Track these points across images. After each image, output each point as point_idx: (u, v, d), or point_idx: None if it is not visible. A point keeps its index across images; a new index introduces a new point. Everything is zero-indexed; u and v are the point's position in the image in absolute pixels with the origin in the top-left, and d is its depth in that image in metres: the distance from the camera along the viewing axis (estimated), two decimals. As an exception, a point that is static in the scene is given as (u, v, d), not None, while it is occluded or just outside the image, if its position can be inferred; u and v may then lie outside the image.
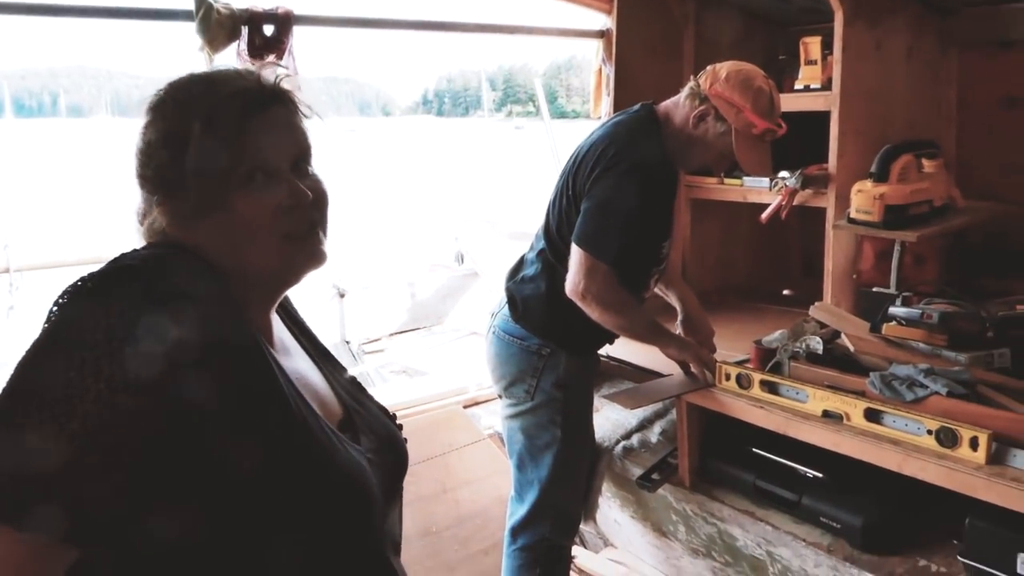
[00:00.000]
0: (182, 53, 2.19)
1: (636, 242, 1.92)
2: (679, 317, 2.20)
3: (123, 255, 0.80)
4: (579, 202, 1.95)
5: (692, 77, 1.98)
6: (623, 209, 1.88)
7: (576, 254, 1.91)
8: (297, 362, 0.95)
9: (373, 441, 0.95)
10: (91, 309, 0.73)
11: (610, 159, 1.90)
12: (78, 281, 0.75)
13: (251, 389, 0.78)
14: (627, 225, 1.88)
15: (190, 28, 2.18)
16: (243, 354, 0.79)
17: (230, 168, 0.83)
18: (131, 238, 0.87)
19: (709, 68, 1.96)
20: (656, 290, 2.21)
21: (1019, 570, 1.50)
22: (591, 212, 1.91)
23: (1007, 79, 2.60)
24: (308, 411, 0.84)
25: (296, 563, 0.81)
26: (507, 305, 2.11)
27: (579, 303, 1.92)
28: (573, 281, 1.91)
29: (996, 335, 1.85)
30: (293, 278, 0.90)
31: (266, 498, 0.78)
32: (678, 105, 1.98)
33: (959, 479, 1.52)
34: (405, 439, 1.04)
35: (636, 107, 2.05)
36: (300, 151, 0.89)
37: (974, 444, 1.52)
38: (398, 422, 1.06)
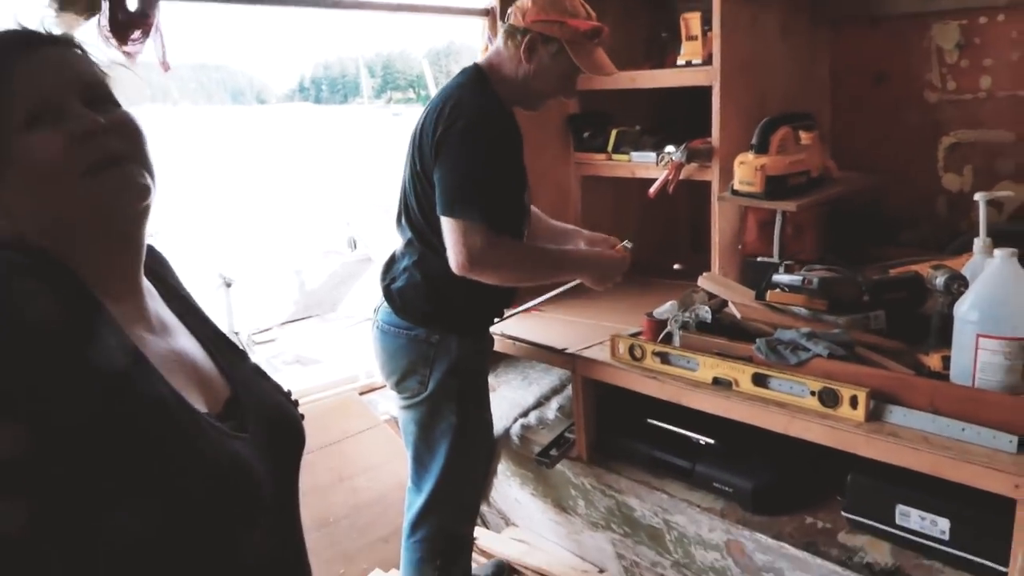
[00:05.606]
0: (32, 26, 2.03)
1: (500, 194, 1.89)
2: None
3: None
4: (431, 176, 1.89)
5: (500, 22, 2.00)
6: (476, 165, 1.85)
7: (448, 227, 1.85)
8: (178, 340, 0.89)
9: (262, 421, 0.90)
10: None
11: (447, 119, 1.87)
12: None
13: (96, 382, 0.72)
14: (486, 180, 1.85)
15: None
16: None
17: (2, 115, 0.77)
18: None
19: (512, 7, 1.97)
20: None
21: (898, 520, 1.57)
22: (446, 179, 1.86)
23: (876, 55, 2.70)
24: (175, 401, 0.78)
25: (188, 557, 0.76)
26: (385, 302, 2.05)
27: (472, 276, 1.86)
28: (456, 256, 1.85)
29: (872, 298, 1.93)
30: (117, 221, 0.83)
31: (132, 498, 0.72)
32: (500, 53, 1.98)
33: (840, 437, 1.58)
34: (302, 415, 0.99)
35: (463, 69, 2.03)
36: (86, 85, 0.82)
37: (854, 403, 1.58)
38: (294, 398, 1.01)
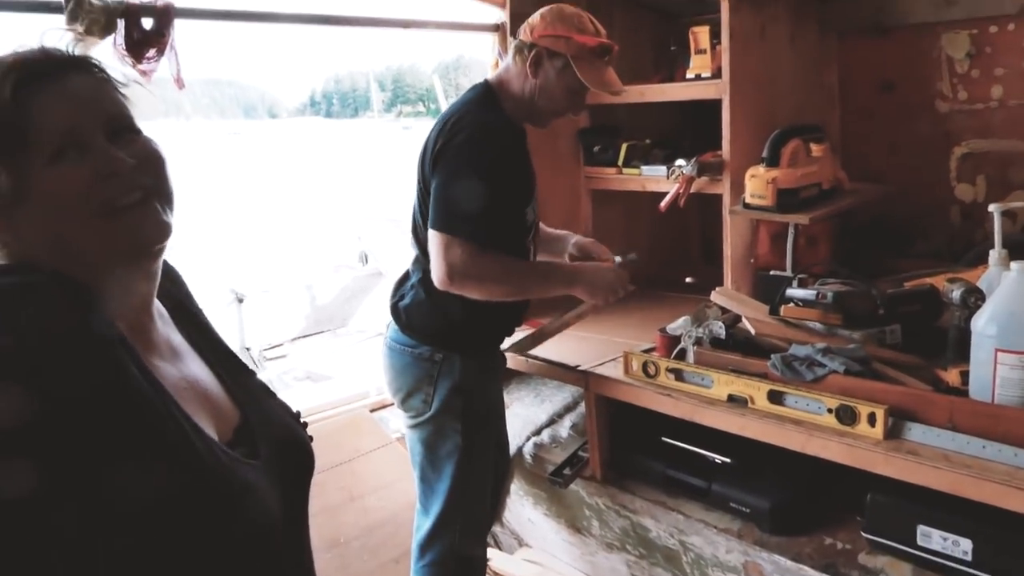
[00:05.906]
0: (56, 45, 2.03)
1: (495, 210, 1.84)
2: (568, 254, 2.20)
3: None
4: (430, 190, 1.87)
5: (511, 38, 2.00)
6: (469, 180, 1.81)
7: (433, 240, 1.82)
8: (189, 366, 0.88)
9: (272, 446, 0.90)
10: None
11: (447, 134, 1.86)
12: None
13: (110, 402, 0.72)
14: (478, 195, 1.80)
15: (59, 20, 2.03)
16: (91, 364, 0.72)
17: (22, 148, 0.76)
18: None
19: (524, 23, 1.97)
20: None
21: (919, 541, 1.54)
22: (436, 193, 1.83)
23: (884, 64, 2.69)
24: (190, 428, 0.78)
25: None
26: (393, 318, 2.04)
27: (454, 290, 1.83)
28: (436, 270, 1.82)
29: (887, 312, 1.90)
30: (135, 257, 0.82)
31: (144, 526, 0.71)
32: (509, 69, 1.97)
33: (859, 455, 1.55)
34: (311, 437, 0.99)
35: (473, 85, 2.03)
36: (110, 116, 0.81)
37: (872, 420, 1.56)
38: (303, 420, 1.01)
